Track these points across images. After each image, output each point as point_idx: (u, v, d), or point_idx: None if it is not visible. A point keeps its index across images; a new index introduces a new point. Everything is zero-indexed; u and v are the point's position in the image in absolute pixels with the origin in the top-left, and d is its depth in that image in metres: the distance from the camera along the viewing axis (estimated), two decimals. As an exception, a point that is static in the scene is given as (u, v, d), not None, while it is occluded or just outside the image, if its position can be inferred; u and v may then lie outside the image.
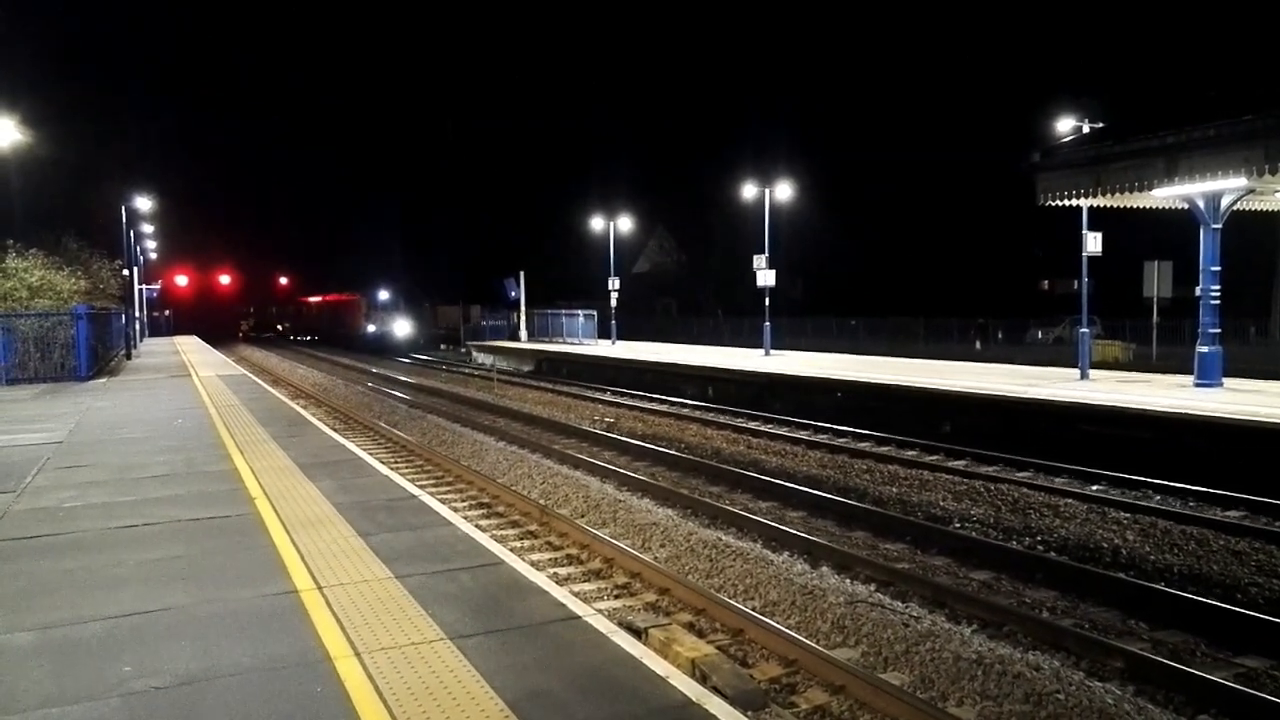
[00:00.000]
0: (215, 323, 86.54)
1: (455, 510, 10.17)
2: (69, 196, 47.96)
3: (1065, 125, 21.77)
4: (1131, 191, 17.55)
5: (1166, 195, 17.64)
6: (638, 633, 7.20)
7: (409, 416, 21.90)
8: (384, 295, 58.99)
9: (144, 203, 41.27)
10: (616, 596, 8.60)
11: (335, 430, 15.79)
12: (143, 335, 55.77)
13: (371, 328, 57.78)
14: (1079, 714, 6.01)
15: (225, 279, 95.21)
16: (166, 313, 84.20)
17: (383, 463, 12.44)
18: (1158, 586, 8.45)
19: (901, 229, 61.22)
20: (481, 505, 12.41)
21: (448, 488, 13.53)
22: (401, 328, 57.35)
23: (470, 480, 13.84)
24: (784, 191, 33.86)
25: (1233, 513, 11.38)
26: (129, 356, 36.81)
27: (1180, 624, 7.69)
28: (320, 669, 5.10)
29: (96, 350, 27.90)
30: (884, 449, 16.35)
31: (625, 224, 45.06)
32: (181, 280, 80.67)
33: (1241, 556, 9.35)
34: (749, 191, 34.41)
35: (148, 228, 54.99)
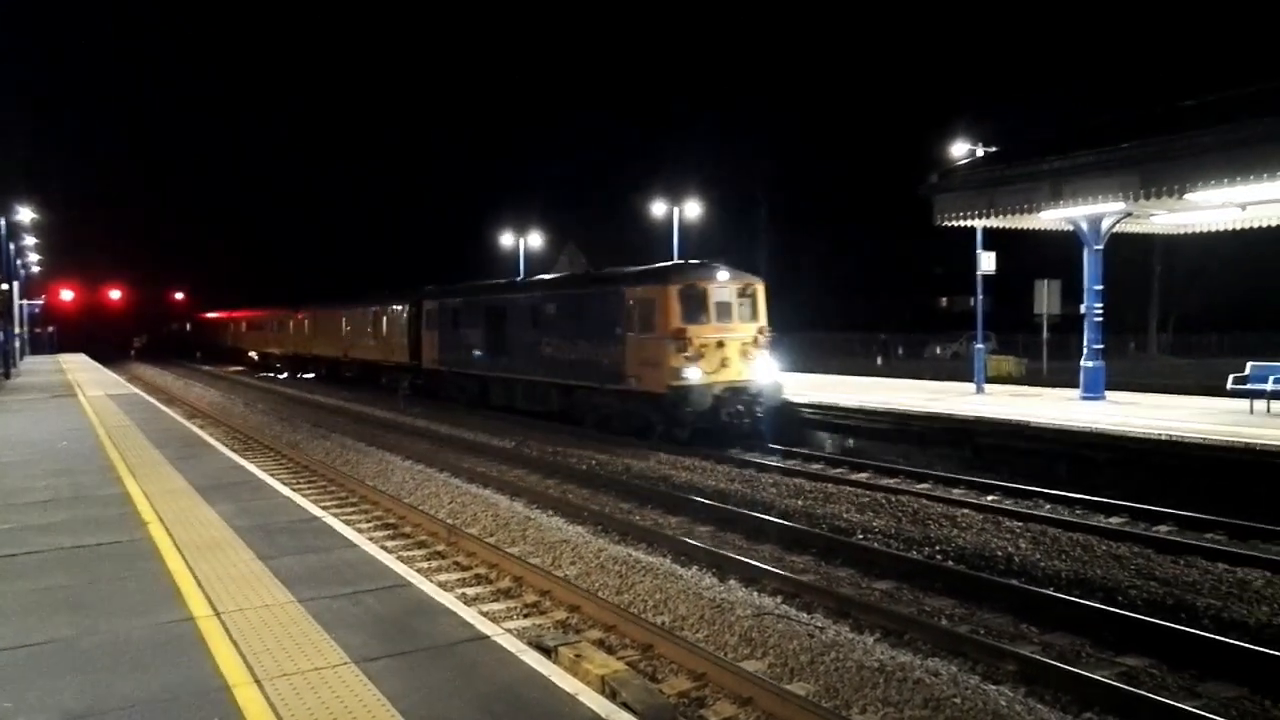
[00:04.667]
0: (105, 340, 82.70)
1: (360, 531, 9.97)
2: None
3: (960, 149, 22.71)
4: (1021, 213, 18.37)
5: (1053, 217, 18.55)
6: (547, 651, 7.18)
7: (312, 436, 21.34)
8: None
9: (27, 214, 39.30)
10: (526, 615, 8.55)
11: (235, 451, 15.30)
12: (23, 353, 52.89)
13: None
14: (974, 716, 6.23)
15: (116, 294, 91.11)
16: (50, 329, 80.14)
17: (285, 484, 12.11)
18: (1047, 591, 8.83)
19: (804, 245, 62.60)
20: (387, 526, 12.18)
21: (352, 509, 13.23)
22: None
23: (375, 500, 13.56)
24: (693, 209, 34.34)
25: (1115, 519, 11.98)
26: (7, 376, 34.93)
27: (1067, 627, 8.04)
28: (217, 698, 4.94)
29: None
30: (790, 463, 16.67)
31: (535, 239, 44.90)
32: (67, 295, 76.91)
33: (1122, 560, 9.84)
34: (658, 209, 34.78)
35: (31, 240, 52.34)
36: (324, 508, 11.08)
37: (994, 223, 19.59)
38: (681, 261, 19.76)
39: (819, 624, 8.02)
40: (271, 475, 12.80)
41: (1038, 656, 7.26)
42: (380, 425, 23.63)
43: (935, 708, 6.35)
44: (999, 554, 10.23)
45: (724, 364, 18.43)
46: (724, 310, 18.94)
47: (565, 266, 52.07)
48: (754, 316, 19.32)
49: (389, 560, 7.87)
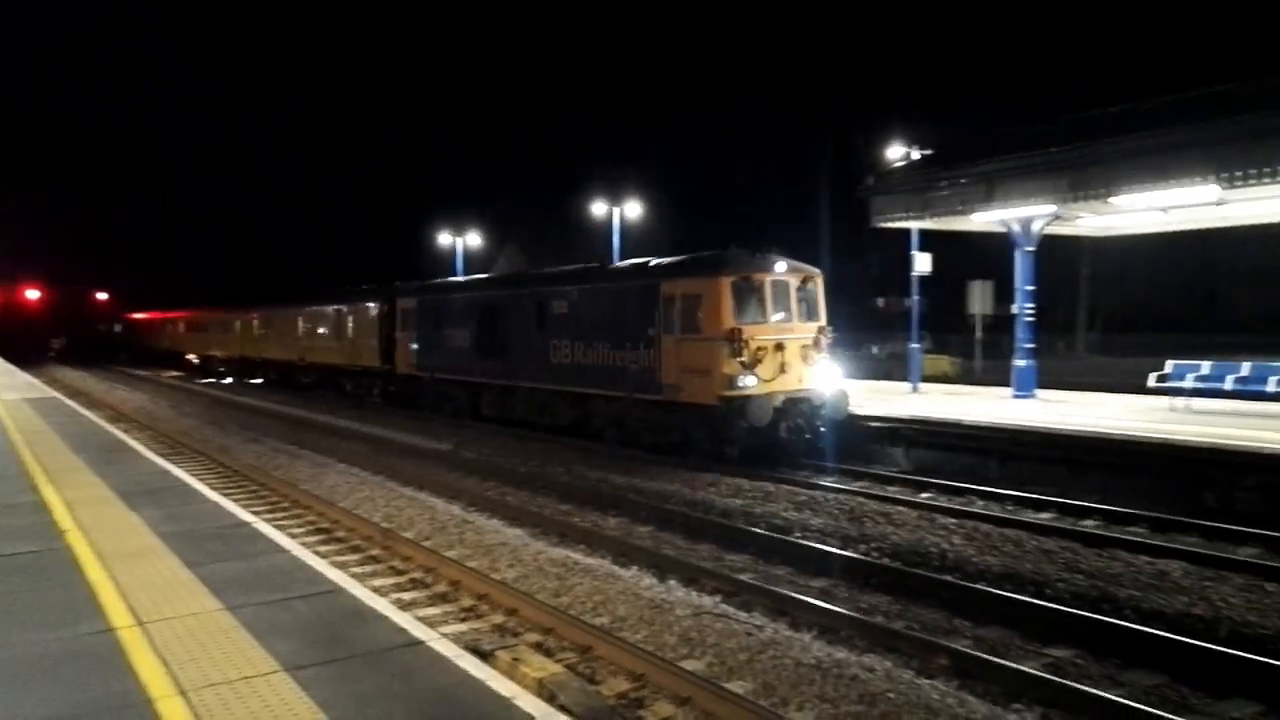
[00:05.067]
0: (22, 342, 79.63)
1: (292, 537, 9.75)
2: None
3: (896, 152, 23.09)
4: (955, 215, 18.79)
5: (985, 220, 18.98)
6: (485, 655, 7.11)
7: (245, 439, 20.85)
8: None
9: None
10: (463, 619, 8.44)
11: (161, 455, 14.85)
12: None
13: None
14: (908, 710, 6.33)
15: (33, 294, 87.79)
16: None
17: (214, 489, 11.79)
18: (979, 586, 9.01)
19: (750, 246, 62.98)
20: (320, 531, 11.94)
21: (284, 514, 12.95)
22: None
23: (308, 505, 13.29)
24: (633, 209, 34.36)
25: (1044, 515, 12.28)
26: (-86, 379, 33.45)
27: (999, 620, 8.21)
28: (138, 712, 4.77)
29: None
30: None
31: (474, 239, 44.44)
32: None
33: (1051, 555, 10.09)
34: (599, 209, 34.73)
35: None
36: (255, 512, 10.81)
37: (929, 224, 19.99)
38: (728, 250, 16.85)
39: (757, 622, 8.08)
40: (200, 480, 12.45)
41: (969, 650, 7.39)
42: (315, 428, 23.18)
43: (870, 703, 6.43)
44: (933, 550, 10.40)
45: (783, 370, 15.81)
46: (782, 307, 16.30)
47: (504, 267, 51.42)
48: (813, 314, 16.70)
49: (321, 565, 7.71)
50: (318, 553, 9.56)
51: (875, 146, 23.03)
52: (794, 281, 16.47)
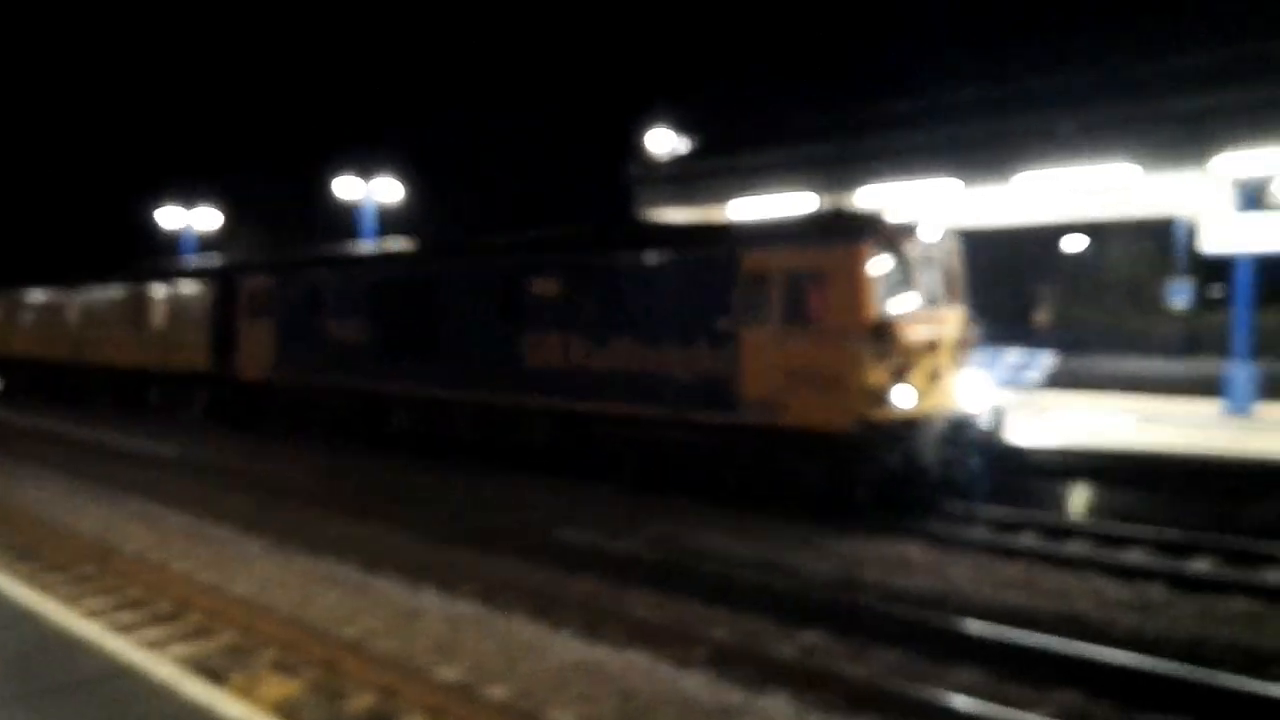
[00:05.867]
0: None
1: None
2: None
3: (661, 141, 23.49)
4: (718, 204, 19.37)
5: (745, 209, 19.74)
6: (216, 677, 6.46)
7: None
8: None
9: None
10: (190, 640, 7.60)
11: None
12: None
13: None
14: (666, 702, 6.28)
15: None
16: None
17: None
18: (737, 576, 9.13)
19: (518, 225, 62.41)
20: (17, 548, 10.42)
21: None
22: None
23: (3, 519, 11.60)
24: (393, 189, 32.61)
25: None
26: None
27: (757, 609, 8.22)
28: None
29: None
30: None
31: (215, 218, 40.50)
32: None
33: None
34: (350, 188, 32.67)
35: None
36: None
37: (693, 214, 20.49)
38: (842, 208, 12.86)
39: (516, 626, 7.81)
40: None
41: (725, 640, 7.49)
42: (11, 430, 20.49)
43: (628, 698, 6.34)
44: (700, 547, 10.53)
45: (935, 379, 11.22)
46: (930, 286, 11.57)
47: (243, 249, 45.82)
48: (955, 295, 11.98)
49: (18, 589, 6.67)
50: (14, 574, 8.36)
51: (640, 134, 23.34)
52: (941, 249, 11.83)
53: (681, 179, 20.15)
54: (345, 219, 32.69)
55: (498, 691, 6.42)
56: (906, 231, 11.33)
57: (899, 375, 10.72)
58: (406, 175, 32.60)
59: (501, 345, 14.18)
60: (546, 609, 8.19)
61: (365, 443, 16.85)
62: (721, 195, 18.94)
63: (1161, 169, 14.75)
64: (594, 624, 7.83)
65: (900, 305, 10.99)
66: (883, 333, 10.60)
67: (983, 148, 14.27)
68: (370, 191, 31.54)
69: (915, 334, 10.93)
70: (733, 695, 6.41)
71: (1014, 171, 14.12)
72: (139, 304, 23.74)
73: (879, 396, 10.61)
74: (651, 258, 12.75)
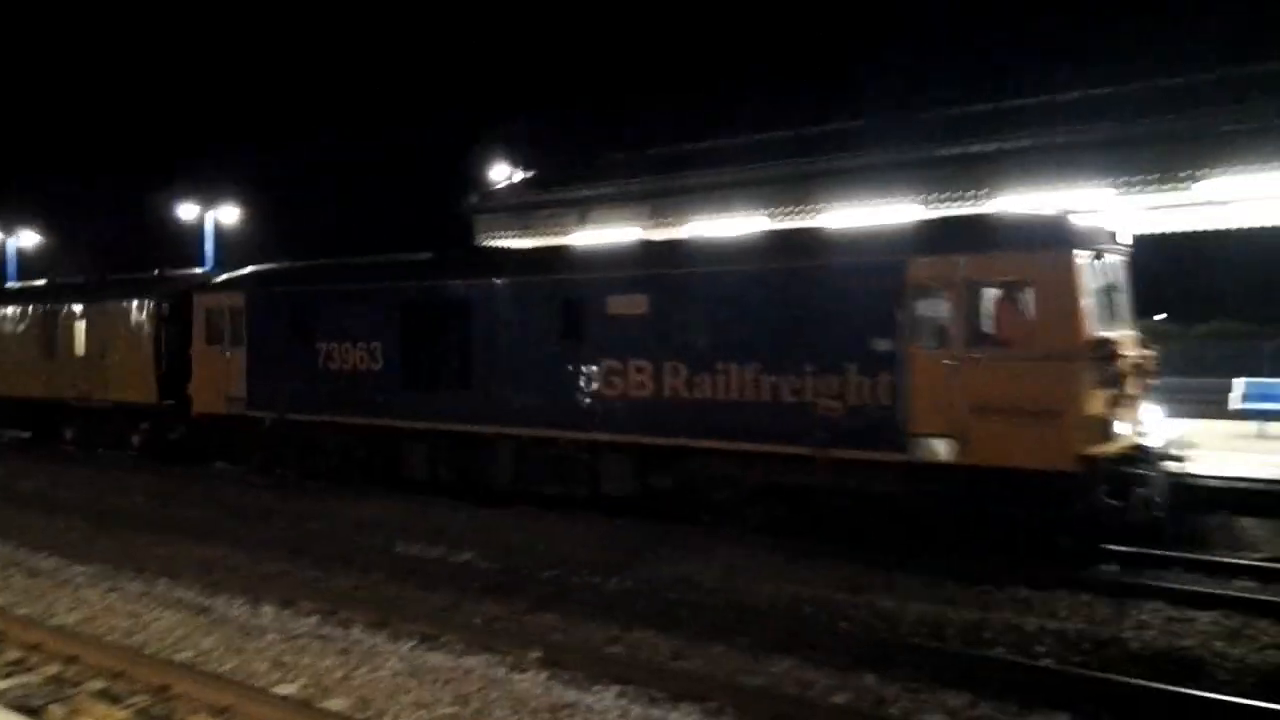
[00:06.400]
0: None
1: None
2: None
3: (500, 171, 23.94)
4: (554, 235, 19.97)
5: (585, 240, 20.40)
6: (33, 711, 6.33)
7: None
8: None
9: None
10: (6, 676, 7.37)
11: None
12: None
13: None
14: (501, 704, 6.65)
15: None
16: None
17: None
18: (575, 580, 9.65)
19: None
20: None
21: None
22: None
23: None
24: (229, 214, 31.93)
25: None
26: None
27: (583, 611, 8.74)
28: None
29: None
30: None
31: (30, 238, 38.34)
32: None
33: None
34: (189, 212, 31.81)
35: None
36: None
37: (531, 243, 21.00)
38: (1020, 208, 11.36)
39: (356, 638, 7.99)
40: None
41: (559, 643, 7.92)
42: None
43: (465, 703, 6.66)
44: (540, 548, 10.93)
45: (1130, 404, 9.98)
46: (1119, 304, 10.33)
47: (70, 273, 44.09)
48: (1131, 316, 10.66)
49: None
50: None
51: (480, 164, 23.69)
52: (1122, 261, 10.51)
53: (520, 209, 20.62)
54: (181, 242, 31.53)
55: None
56: (1108, 237, 10.06)
57: (1117, 403, 9.49)
58: (245, 199, 31.81)
59: (560, 374, 12.39)
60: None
61: (376, 484, 14.66)
62: (559, 227, 19.53)
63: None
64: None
65: (1105, 322, 9.68)
66: (1104, 354, 9.32)
67: (790, 185, 15.53)
68: (209, 214, 30.57)
69: (1127, 355, 9.74)
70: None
71: (822, 210, 15.43)
72: (61, 325, 20.37)
73: (1101, 429, 9.35)
74: (777, 269, 11.13)
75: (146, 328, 18.45)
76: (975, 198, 14.59)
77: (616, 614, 8.69)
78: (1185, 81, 16.20)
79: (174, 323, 17.93)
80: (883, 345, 10.04)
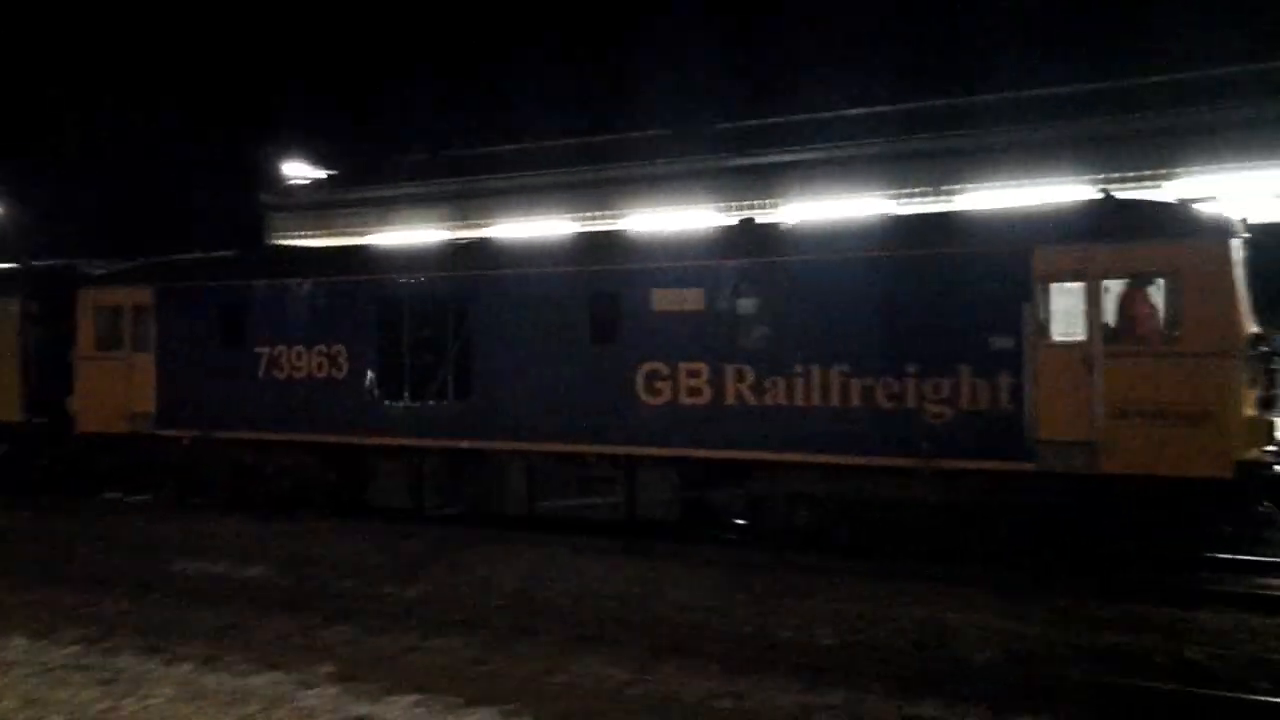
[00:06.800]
0: None
1: None
2: None
3: (297, 169, 22.89)
4: (355, 234, 19.36)
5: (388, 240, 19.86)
6: None
7: None
8: None
9: None
10: None
11: None
12: None
13: None
14: (288, 716, 6.37)
15: None
16: None
17: None
18: (372, 590, 9.35)
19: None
20: None
21: None
22: None
23: None
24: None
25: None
26: None
27: (380, 621, 8.56)
28: None
29: None
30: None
31: None
32: None
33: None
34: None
35: None
36: None
37: (329, 242, 20.26)
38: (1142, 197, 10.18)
39: (125, 664, 7.41)
40: None
41: (352, 655, 7.66)
42: None
43: (244, 721, 6.32)
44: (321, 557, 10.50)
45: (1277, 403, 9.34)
46: (1251, 297, 9.30)
47: None
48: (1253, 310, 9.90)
49: None
50: None
51: (273, 162, 22.55)
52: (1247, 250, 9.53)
53: (320, 209, 19.82)
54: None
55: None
56: (1246, 226, 9.12)
57: (1271, 403, 8.84)
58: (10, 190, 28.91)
59: (591, 378, 10.83)
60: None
61: (328, 514, 12.46)
62: (360, 226, 18.91)
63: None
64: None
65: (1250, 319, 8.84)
66: (1261, 352, 8.67)
67: (591, 191, 15.77)
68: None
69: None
70: None
71: (623, 215, 15.75)
72: None
73: (1259, 432, 8.69)
74: (874, 257, 9.86)
75: (6, 330, 15.14)
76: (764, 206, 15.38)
77: (415, 622, 8.52)
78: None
79: (45, 323, 14.93)
80: (1004, 343, 9.07)
